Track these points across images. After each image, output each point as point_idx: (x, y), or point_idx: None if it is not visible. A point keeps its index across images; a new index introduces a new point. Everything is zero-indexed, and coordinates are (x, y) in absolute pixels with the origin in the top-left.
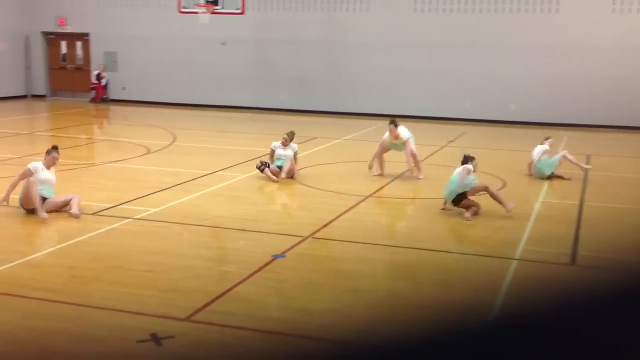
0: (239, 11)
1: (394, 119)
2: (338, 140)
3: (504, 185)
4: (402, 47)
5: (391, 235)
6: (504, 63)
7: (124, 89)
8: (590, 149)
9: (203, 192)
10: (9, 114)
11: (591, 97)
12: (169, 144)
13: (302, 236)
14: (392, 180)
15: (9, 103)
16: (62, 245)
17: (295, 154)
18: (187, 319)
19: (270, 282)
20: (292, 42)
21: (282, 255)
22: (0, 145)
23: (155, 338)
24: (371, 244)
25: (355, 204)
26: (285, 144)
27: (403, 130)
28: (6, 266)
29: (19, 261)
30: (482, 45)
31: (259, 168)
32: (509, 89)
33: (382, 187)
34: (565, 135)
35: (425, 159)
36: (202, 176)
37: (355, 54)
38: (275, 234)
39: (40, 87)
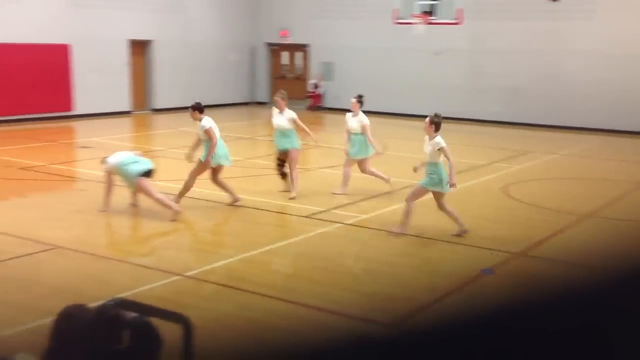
0: (455, 21)
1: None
2: (554, 156)
3: None
4: (629, 58)
5: (612, 257)
6: None
7: (338, 97)
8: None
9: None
10: (234, 119)
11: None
12: (382, 152)
13: (512, 252)
14: (615, 201)
15: (235, 109)
16: (278, 244)
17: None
18: (392, 325)
19: (478, 299)
20: (507, 52)
21: (489, 270)
22: None
23: (361, 341)
24: (587, 265)
25: (571, 223)
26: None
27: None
28: (227, 260)
29: (238, 257)
30: None
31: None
32: None
33: (602, 207)
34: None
35: None
36: (410, 186)
37: (574, 65)
38: (484, 248)
39: (263, 94)
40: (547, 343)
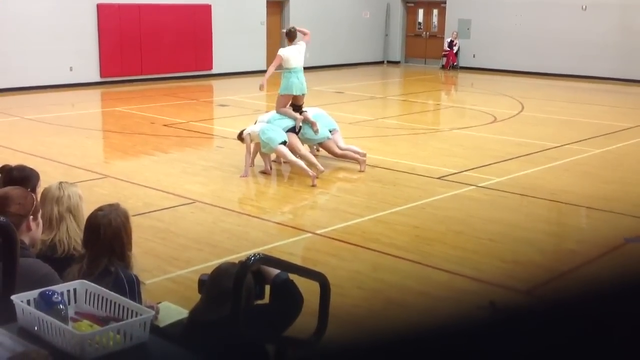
0: None
1: None
2: None
3: None
4: None
5: None
6: None
7: (474, 56)
8: None
9: (550, 165)
10: (367, 79)
11: None
12: (517, 114)
13: None
14: None
15: (367, 68)
16: (409, 205)
17: None
18: (528, 292)
19: (619, 268)
20: None
21: (635, 239)
22: (357, 107)
23: (494, 306)
24: None
25: None
26: None
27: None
28: (359, 220)
29: (369, 217)
30: None
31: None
32: None
33: None
34: None
35: None
36: (550, 148)
37: None
38: (631, 215)
39: (396, 53)
40: None
